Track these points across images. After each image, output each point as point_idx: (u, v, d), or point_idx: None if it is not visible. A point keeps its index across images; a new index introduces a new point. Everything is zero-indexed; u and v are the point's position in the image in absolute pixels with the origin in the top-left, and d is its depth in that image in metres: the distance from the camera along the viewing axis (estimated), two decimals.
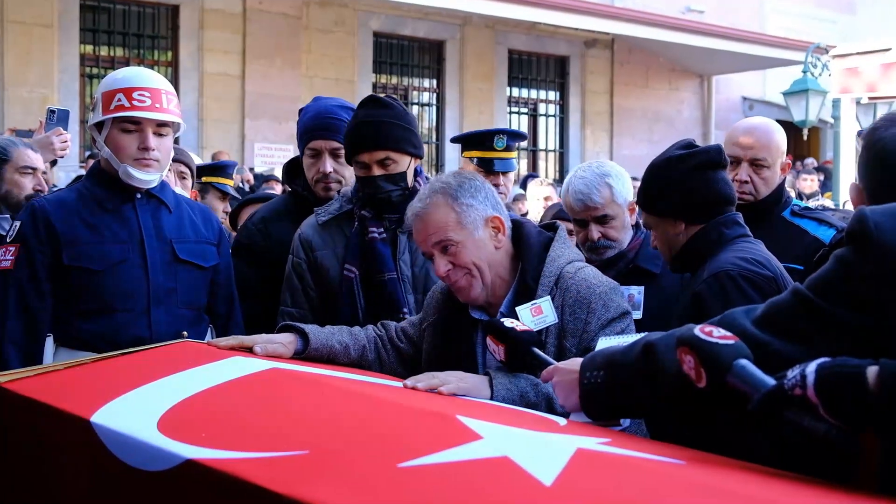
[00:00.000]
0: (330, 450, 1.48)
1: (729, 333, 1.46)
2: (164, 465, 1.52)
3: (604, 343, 1.91)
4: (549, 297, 2.13)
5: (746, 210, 2.82)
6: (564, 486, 1.29)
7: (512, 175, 3.81)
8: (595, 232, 2.79)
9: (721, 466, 1.50)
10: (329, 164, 2.88)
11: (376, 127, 2.57)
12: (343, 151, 2.75)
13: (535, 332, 2.00)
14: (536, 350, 1.94)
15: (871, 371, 1.26)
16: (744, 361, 1.41)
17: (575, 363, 1.77)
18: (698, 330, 1.46)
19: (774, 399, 1.33)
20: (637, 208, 2.71)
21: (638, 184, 2.54)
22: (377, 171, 2.58)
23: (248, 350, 2.14)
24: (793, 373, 1.31)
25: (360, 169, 2.61)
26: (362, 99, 2.69)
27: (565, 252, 2.22)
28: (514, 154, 3.82)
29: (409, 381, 1.95)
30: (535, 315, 2.12)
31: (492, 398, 1.96)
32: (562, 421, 1.81)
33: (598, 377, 1.68)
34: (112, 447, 1.63)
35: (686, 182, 2.32)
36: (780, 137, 3.00)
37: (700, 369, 1.44)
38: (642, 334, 1.85)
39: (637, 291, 2.55)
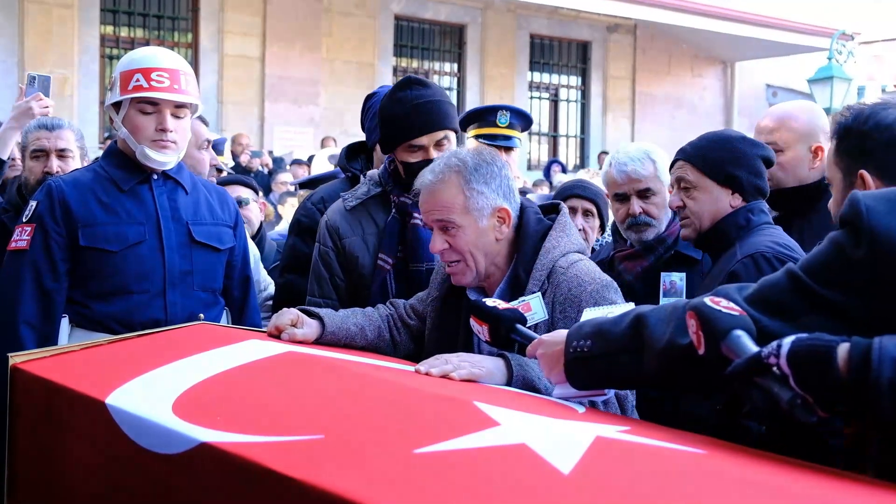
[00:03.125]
0: (345, 434, 1.47)
1: (737, 307, 1.48)
2: (179, 447, 1.52)
3: (589, 314, 1.89)
4: (539, 294, 2.10)
5: (788, 196, 2.78)
6: (583, 474, 1.27)
7: (515, 155, 3.73)
8: (637, 206, 2.77)
9: (743, 456, 1.48)
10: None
11: (433, 106, 2.49)
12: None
13: (517, 310, 1.96)
14: (519, 326, 1.92)
15: (842, 349, 1.27)
16: (739, 332, 1.42)
17: (560, 335, 1.76)
18: (708, 298, 1.49)
19: (751, 365, 1.34)
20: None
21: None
22: (434, 153, 2.50)
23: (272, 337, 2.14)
24: (773, 343, 1.33)
25: (414, 153, 2.51)
26: (399, 82, 2.60)
27: (561, 242, 2.17)
28: (517, 133, 3.74)
29: (423, 368, 1.92)
30: (523, 312, 2.09)
31: (509, 383, 1.94)
32: (580, 408, 1.79)
33: (585, 346, 1.68)
34: (127, 429, 1.63)
35: (758, 164, 2.45)
36: (801, 120, 2.88)
37: (700, 334, 1.46)
38: (630, 305, 1.83)
39: (679, 278, 2.52)
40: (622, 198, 2.82)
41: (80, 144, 3.28)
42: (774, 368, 1.30)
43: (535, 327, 2.07)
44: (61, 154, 3.20)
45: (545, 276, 2.12)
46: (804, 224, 2.67)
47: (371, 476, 1.30)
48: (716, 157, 2.43)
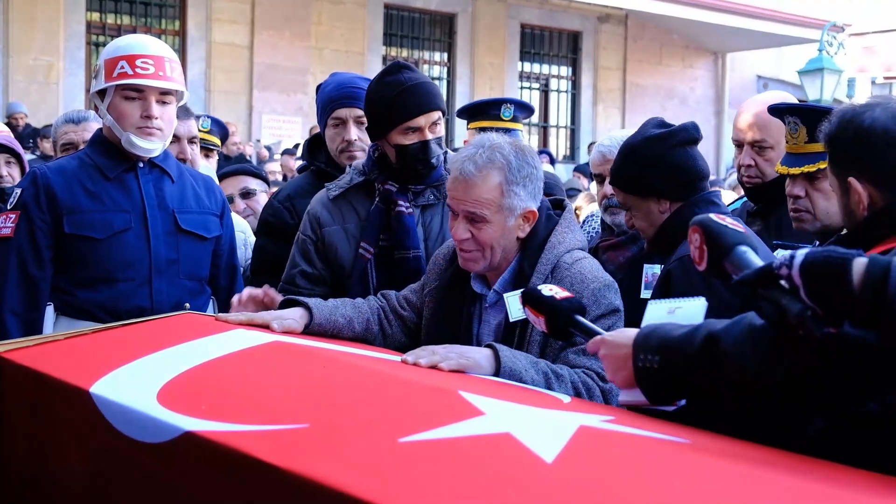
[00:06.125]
0: (330, 424, 1.47)
1: (743, 225, 1.47)
2: (163, 436, 1.52)
3: (654, 310, 1.76)
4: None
5: (762, 191, 2.77)
6: (566, 463, 1.28)
7: None
8: (609, 187, 2.75)
9: (727, 446, 1.48)
10: (354, 132, 2.82)
11: (425, 87, 2.50)
12: (365, 120, 2.66)
13: (576, 298, 1.89)
14: (580, 318, 1.83)
15: (858, 264, 1.25)
16: (745, 248, 1.42)
17: (624, 336, 1.66)
18: (713, 214, 1.48)
19: (761, 276, 1.33)
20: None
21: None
22: (429, 135, 2.49)
23: (257, 327, 2.12)
24: (786, 253, 1.32)
25: (410, 134, 2.49)
26: (387, 68, 2.59)
27: (567, 238, 2.20)
28: (520, 126, 3.77)
29: (410, 358, 1.92)
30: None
31: (496, 374, 1.94)
32: (565, 398, 1.80)
33: (654, 362, 1.58)
34: (111, 418, 1.62)
35: (669, 160, 2.34)
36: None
37: (703, 248, 1.45)
38: (695, 303, 1.71)
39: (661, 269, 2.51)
40: (600, 179, 2.83)
41: None
42: (783, 281, 1.29)
43: None
44: None
45: (549, 270, 2.14)
46: (782, 214, 2.67)
47: (356, 465, 1.31)
48: (628, 173, 2.39)
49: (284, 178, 7.92)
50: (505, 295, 2.13)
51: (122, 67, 2.48)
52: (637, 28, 16.11)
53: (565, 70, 16.21)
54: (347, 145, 2.83)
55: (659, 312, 1.72)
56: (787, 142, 2.49)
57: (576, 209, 4.32)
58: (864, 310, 1.24)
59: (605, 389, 1.99)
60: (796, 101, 2.88)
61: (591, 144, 14.66)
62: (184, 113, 3.13)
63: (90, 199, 2.50)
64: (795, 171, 2.42)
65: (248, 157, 10.25)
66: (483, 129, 3.65)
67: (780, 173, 2.50)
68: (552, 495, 1.19)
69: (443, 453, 1.33)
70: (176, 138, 3.11)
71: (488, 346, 2.01)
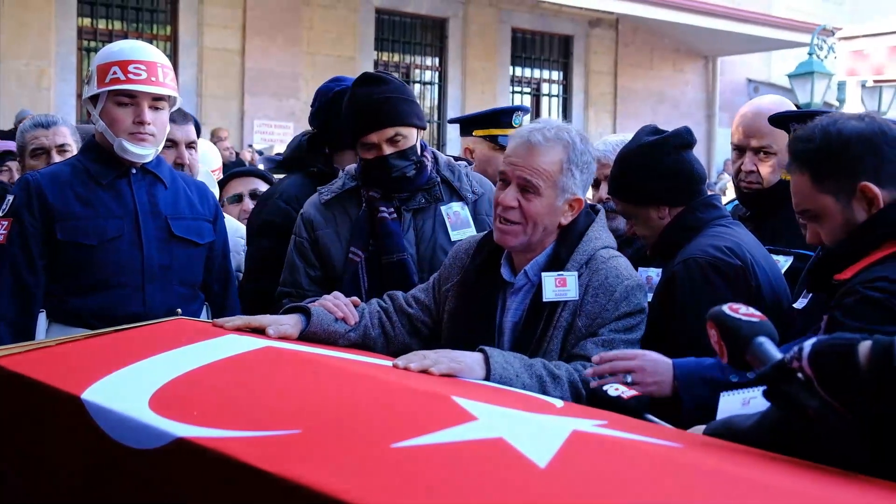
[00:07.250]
0: (323, 429, 1.47)
1: (757, 312, 1.46)
2: (155, 443, 1.51)
3: (727, 402, 1.72)
4: (576, 274, 2.15)
5: (760, 197, 2.76)
6: (559, 467, 1.28)
7: None
8: (604, 191, 2.78)
9: (719, 450, 1.49)
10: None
11: (381, 104, 2.51)
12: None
13: (644, 396, 1.86)
14: (650, 417, 1.80)
15: (864, 346, 1.27)
16: (763, 338, 1.41)
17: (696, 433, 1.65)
18: (727, 307, 1.47)
19: (776, 372, 1.33)
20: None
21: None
22: (388, 150, 2.52)
23: (254, 331, 2.11)
24: (794, 347, 1.32)
25: (368, 150, 2.54)
26: (356, 78, 2.62)
27: (602, 236, 2.25)
28: None
29: (401, 362, 1.92)
30: (558, 286, 2.13)
31: (487, 379, 1.94)
32: (558, 403, 1.80)
33: None
34: (103, 425, 1.62)
35: (664, 166, 2.35)
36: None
37: (721, 343, 1.45)
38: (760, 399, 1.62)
39: (655, 273, 2.53)
40: (595, 184, 2.84)
41: (76, 138, 3.29)
42: (799, 374, 1.29)
43: (563, 305, 2.12)
44: (61, 149, 3.25)
45: (584, 260, 2.17)
46: (777, 221, 2.68)
47: (348, 470, 1.30)
48: (625, 182, 2.41)
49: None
50: (543, 274, 2.15)
51: (115, 73, 2.49)
52: (628, 32, 16.16)
53: (557, 74, 16.23)
54: None
55: (733, 404, 1.70)
56: None
57: None
58: (872, 387, 1.25)
59: None
60: (794, 108, 2.88)
61: None
62: (181, 118, 3.13)
63: (83, 205, 2.50)
64: None
65: (245, 163, 10.23)
66: (492, 137, 3.71)
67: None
68: (545, 500, 1.19)
69: (436, 459, 1.33)
70: (174, 143, 3.11)
71: (479, 350, 2.01)
